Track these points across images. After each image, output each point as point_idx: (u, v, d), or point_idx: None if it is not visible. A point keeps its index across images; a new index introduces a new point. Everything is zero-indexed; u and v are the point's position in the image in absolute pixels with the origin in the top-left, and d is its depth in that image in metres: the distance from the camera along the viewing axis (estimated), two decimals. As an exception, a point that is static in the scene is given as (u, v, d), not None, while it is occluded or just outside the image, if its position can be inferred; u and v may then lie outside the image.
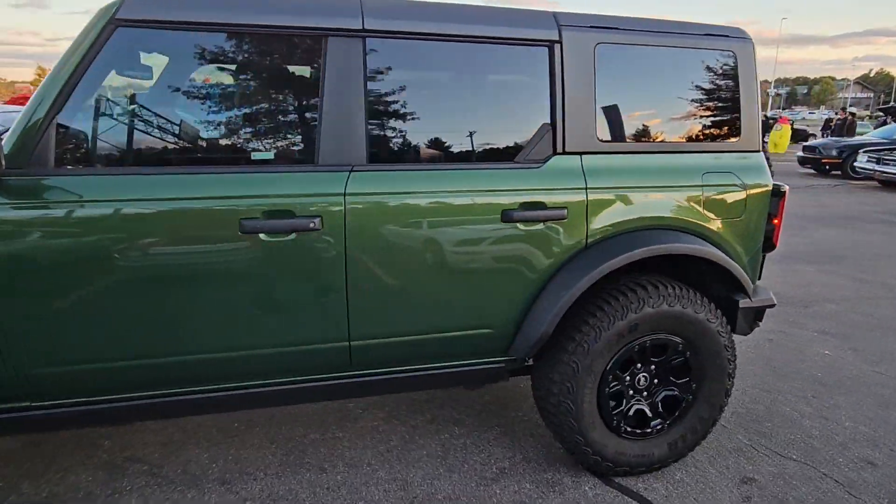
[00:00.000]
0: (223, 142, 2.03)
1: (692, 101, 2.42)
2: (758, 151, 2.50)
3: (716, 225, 2.39)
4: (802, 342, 4.02)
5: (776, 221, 2.53)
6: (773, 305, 2.60)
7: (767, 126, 23.39)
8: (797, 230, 8.02)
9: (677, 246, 2.27)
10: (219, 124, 2.02)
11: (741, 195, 2.42)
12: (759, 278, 2.72)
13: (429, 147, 2.14)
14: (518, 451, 2.65)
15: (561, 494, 2.36)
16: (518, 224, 2.12)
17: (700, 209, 2.35)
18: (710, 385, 2.45)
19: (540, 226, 2.14)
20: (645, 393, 2.42)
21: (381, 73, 2.05)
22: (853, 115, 21.24)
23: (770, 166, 2.74)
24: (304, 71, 2.02)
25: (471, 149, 2.17)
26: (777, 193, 2.50)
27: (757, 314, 2.62)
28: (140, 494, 2.29)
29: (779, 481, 2.49)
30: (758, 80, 2.48)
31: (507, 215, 2.09)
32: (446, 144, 2.16)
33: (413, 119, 2.11)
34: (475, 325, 2.18)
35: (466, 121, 2.17)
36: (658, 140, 2.36)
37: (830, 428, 2.92)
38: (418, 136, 2.13)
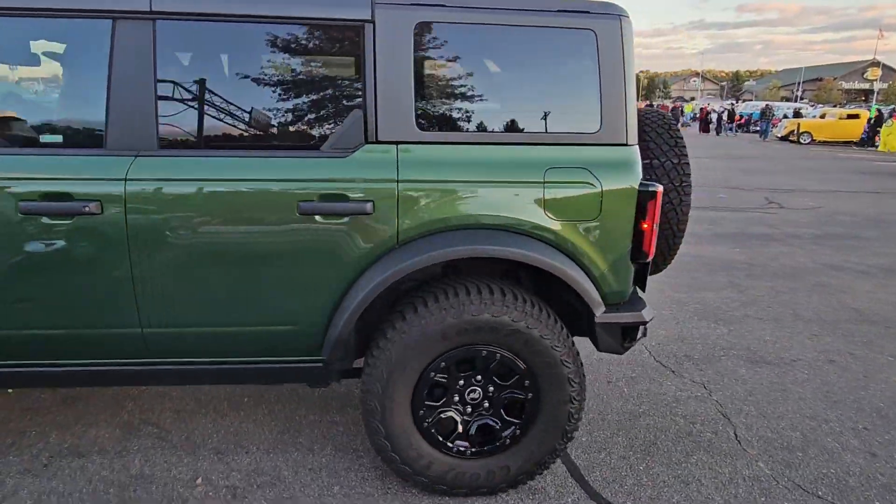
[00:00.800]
0: (8, 124, 2.04)
1: (537, 86, 2.14)
2: (625, 145, 2.16)
3: (560, 227, 2.10)
4: (872, 367, 3.56)
5: (646, 226, 2.17)
6: (642, 323, 2.24)
7: (880, 121, 20.75)
8: (907, 240, 7.09)
9: (484, 248, 2.01)
10: (5, 105, 2.03)
11: (595, 194, 2.11)
12: (644, 290, 2.40)
13: (227, 134, 2.06)
14: (509, 454, 2.57)
15: None
16: (317, 217, 1.98)
17: (540, 209, 2.08)
18: (546, 412, 2.18)
19: (343, 220, 2.00)
20: (472, 409, 2.20)
21: (174, 56, 1.99)
22: None
23: None
24: (94, 54, 1.97)
25: (273, 136, 2.08)
26: (647, 194, 2.15)
27: (626, 331, 2.27)
28: (144, 455, 2.48)
29: (793, 519, 2.23)
30: (628, 63, 2.14)
31: (303, 207, 1.97)
32: (246, 131, 2.07)
33: (209, 105, 2.03)
34: (276, 322, 2.08)
35: (270, 107, 2.06)
36: (493, 130, 2.12)
37: (876, 466, 2.57)
38: (215, 122, 2.06)
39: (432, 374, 2.12)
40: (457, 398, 2.18)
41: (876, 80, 59.84)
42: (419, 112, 2.06)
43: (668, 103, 38.85)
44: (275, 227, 1.99)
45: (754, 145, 22.82)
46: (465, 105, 2.13)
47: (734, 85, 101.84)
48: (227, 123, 2.07)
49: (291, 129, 2.10)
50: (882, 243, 6.89)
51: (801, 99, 60.02)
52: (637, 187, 2.14)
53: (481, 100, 2.13)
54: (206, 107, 2.04)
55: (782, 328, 4.14)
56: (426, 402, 2.16)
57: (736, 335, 3.99)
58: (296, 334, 2.11)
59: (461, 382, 2.17)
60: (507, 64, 2.14)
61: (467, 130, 2.11)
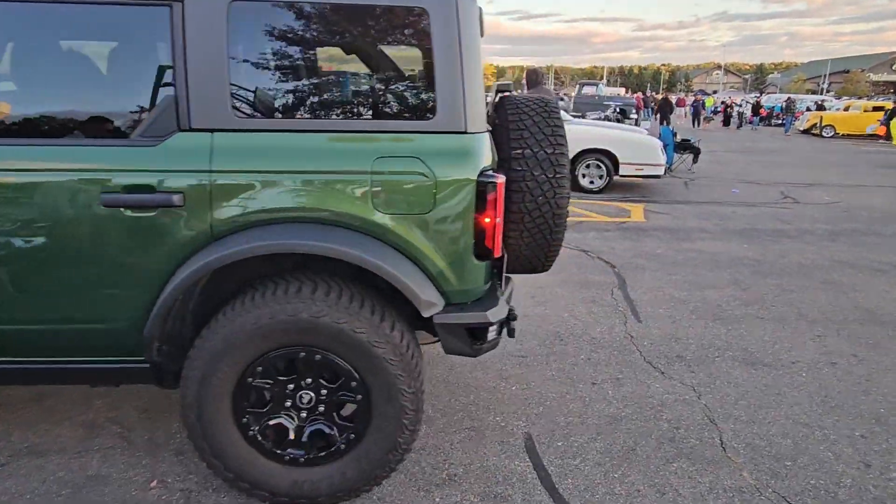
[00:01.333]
0: None
1: (367, 69, 1.99)
2: (463, 133, 2.00)
3: (389, 221, 1.96)
4: (876, 370, 3.37)
5: (486, 221, 2.01)
6: (487, 324, 2.07)
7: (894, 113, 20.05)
8: (927, 237, 6.78)
9: (292, 243, 1.87)
10: None
11: (428, 186, 1.96)
12: (501, 289, 2.22)
13: (30, 121, 1.96)
14: (477, 459, 2.47)
15: (503, 512, 2.16)
16: (123, 210, 1.88)
17: (367, 201, 1.95)
18: (378, 422, 2.01)
19: (152, 213, 1.89)
20: (305, 413, 2.04)
21: None
22: None
23: None
24: None
25: (82, 123, 1.97)
26: (486, 186, 1.98)
27: (475, 332, 2.10)
28: (104, 455, 2.43)
29: (774, 534, 2.09)
30: (467, 45, 1.97)
31: (106, 199, 1.87)
32: (49, 119, 1.96)
33: (9, 91, 1.92)
34: (86, 320, 1.98)
35: (78, 93, 1.96)
36: (317, 117, 2.00)
37: (869, 478, 2.41)
38: (17, 109, 1.96)
39: (250, 379, 1.98)
40: (286, 404, 2.02)
41: (906, 71, 57.98)
42: (236, 98, 1.94)
43: (690, 96, 38.04)
44: (76, 219, 1.90)
45: (776, 139, 22.24)
46: (288, 90, 2.02)
47: (758, 78, 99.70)
48: (30, 110, 1.98)
49: (100, 116, 1.99)
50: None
51: (828, 92, 58.48)
52: (476, 179, 1.99)
53: (305, 84, 2.02)
54: (6, 93, 1.95)
55: (784, 328, 3.96)
56: (249, 410, 2.02)
57: (734, 335, 3.82)
58: (109, 333, 2.02)
59: (288, 387, 2.00)
60: (333, 45, 2.01)
61: (289, 117, 2.00)
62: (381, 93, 2.06)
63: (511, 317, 2.24)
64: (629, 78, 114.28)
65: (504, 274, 2.33)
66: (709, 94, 44.31)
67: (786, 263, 5.54)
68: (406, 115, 2.05)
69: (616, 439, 2.64)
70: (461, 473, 2.37)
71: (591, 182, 9.11)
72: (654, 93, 56.83)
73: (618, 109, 19.51)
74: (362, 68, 2.05)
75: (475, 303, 2.12)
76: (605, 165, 9.01)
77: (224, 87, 1.91)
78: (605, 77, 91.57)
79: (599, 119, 15.76)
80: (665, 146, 9.93)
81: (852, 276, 5.17)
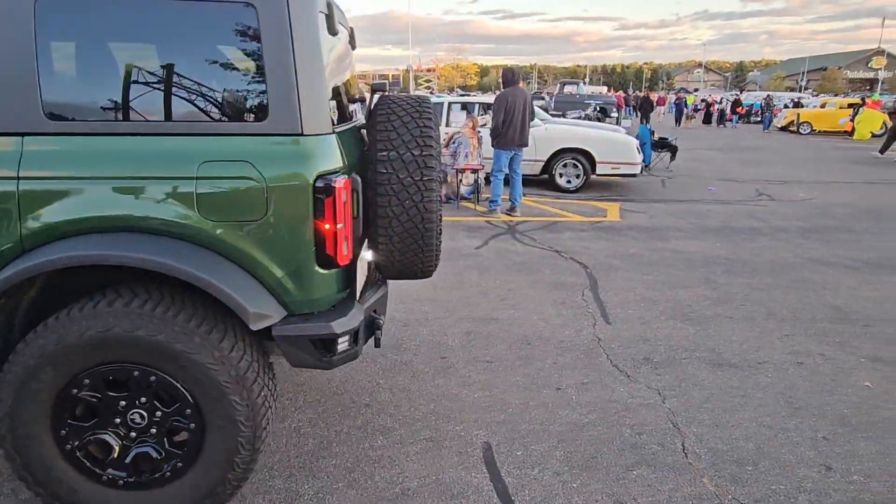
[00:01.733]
0: None
1: (192, 69, 1.94)
2: (299, 135, 1.91)
3: (217, 228, 1.87)
4: (841, 369, 3.36)
5: (326, 227, 1.92)
6: (331, 335, 1.96)
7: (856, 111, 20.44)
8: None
9: (99, 254, 1.78)
10: None
11: (259, 191, 1.87)
12: (356, 298, 2.13)
13: None
14: (434, 471, 2.40)
15: (456, 528, 2.09)
16: None
17: (192, 208, 1.86)
18: (213, 445, 1.91)
19: None
20: (132, 433, 1.93)
21: None
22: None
23: None
24: None
25: None
26: (322, 190, 1.89)
27: (322, 344, 1.99)
28: (40, 476, 2.32)
29: (732, 543, 2.05)
30: (301, 43, 1.89)
31: None
32: None
33: None
34: None
35: None
36: (139, 119, 1.91)
37: (831, 481, 2.37)
38: None
39: (74, 391, 1.88)
40: (132, 424, 1.91)
41: (881, 68, 59.10)
42: (48, 99, 1.84)
43: (672, 95, 38.42)
44: None
45: (755, 136, 22.44)
46: (106, 91, 1.93)
47: (738, 75, 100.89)
48: None
49: None
50: (874, 237, 6.64)
51: (806, 89, 59.34)
52: (312, 183, 1.90)
53: (126, 84, 1.92)
54: None
55: (753, 328, 3.93)
56: (70, 432, 1.92)
57: (702, 336, 3.79)
58: None
59: (115, 406, 1.90)
60: (156, 44, 1.94)
61: (107, 119, 1.91)
62: (209, 93, 1.96)
63: (375, 325, 2.14)
64: (612, 76, 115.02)
65: (361, 282, 2.21)
66: (690, 92, 44.71)
67: (758, 262, 5.54)
68: (236, 116, 1.96)
69: (577, 447, 2.58)
70: (415, 487, 2.30)
71: (568, 181, 9.09)
72: (636, 91, 57.24)
73: (598, 108, 19.55)
74: (189, 67, 1.95)
75: (324, 313, 2.02)
76: (582, 164, 8.99)
77: (34, 88, 1.82)
78: (588, 76, 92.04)
79: (580, 118, 15.78)
80: (642, 145, 9.95)
81: (823, 274, 5.18)
